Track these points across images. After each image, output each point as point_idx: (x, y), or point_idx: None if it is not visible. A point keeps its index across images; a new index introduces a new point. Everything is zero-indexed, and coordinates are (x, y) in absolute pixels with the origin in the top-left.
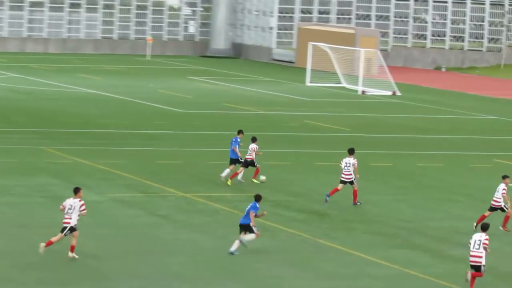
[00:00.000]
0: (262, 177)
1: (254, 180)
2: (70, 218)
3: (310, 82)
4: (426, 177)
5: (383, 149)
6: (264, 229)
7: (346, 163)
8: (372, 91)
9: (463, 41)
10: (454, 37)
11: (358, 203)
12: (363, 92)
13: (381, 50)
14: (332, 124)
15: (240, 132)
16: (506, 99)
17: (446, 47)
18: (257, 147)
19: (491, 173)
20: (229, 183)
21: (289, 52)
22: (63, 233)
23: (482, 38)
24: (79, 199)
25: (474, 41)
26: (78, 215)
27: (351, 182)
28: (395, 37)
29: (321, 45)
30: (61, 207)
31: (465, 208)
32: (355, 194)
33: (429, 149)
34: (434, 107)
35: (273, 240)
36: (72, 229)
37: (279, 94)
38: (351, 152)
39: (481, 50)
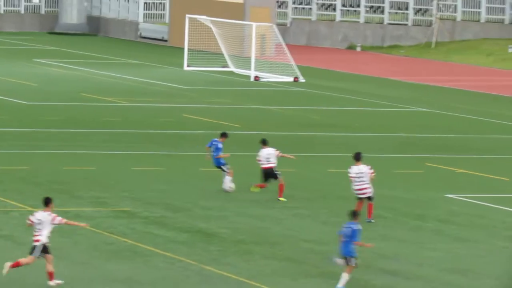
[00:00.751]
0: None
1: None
2: (40, 235)
3: (188, 66)
4: (338, 186)
5: (281, 150)
6: (135, 253)
7: (356, 174)
8: (268, 77)
9: (382, 12)
10: (371, 7)
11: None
12: (257, 78)
13: (278, 25)
14: (217, 119)
15: (223, 135)
16: (439, 86)
17: (361, 20)
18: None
19: (422, 180)
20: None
21: (161, 27)
22: (34, 255)
23: (406, 8)
24: (49, 212)
25: (396, 13)
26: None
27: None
28: (296, 7)
29: (202, 18)
30: (28, 221)
31: (390, 225)
32: (370, 208)
33: (340, 150)
34: (346, 97)
35: (147, 268)
36: (45, 249)
37: (149, 81)
38: (357, 158)
39: (406, 24)
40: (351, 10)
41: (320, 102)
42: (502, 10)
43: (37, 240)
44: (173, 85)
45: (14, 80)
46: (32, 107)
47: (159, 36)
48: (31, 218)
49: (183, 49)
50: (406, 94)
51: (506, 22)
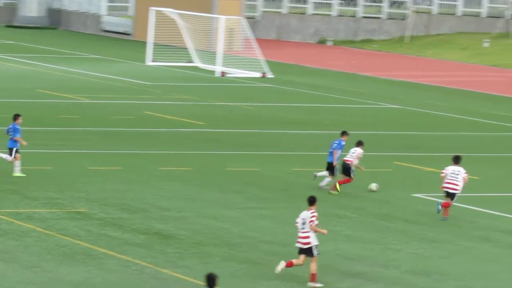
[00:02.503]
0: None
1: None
2: None
3: (153, 61)
4: (301, 185)
5: (247, 149)
6: (89, 256)
7: (452, 171)
8: (235, 73)
9: (355, 5)
10: (345, 0)
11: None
12: (223, 73)
13: (247, 18)
14: (181, 117)
15: (344, 133)
16: (412, 82)
17: (334, 13)
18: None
19: (390, 179)
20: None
21: (125, 20)
22: None
23: (381, 1)
24: None
25: (370, 6)
26: None
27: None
28: (266, 0)
29: (167, 11)
30: None
31: (355, 226)
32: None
33: (308, 148)
34: (317, 93)
35: (101, 271)
36: None
37: (110, 77)
38: (456, 161)
39: (379, 18)
40: (323, 3)
41: (289, 99)
42: (479, 3)
43: None
44: (136, 81)
45: None
46: None
47: (122, 30)
48: None
49: (146, 43)
50: (379, 90)
51: (483, 15)
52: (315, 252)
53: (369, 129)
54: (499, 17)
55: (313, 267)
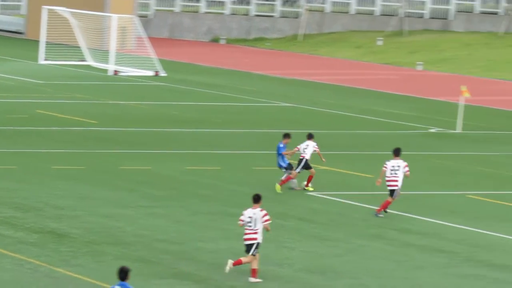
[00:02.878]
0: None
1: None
2: None
3: (45, 60)
4: (195, 184)
5: (140, 147)
6: None
7: (391, 166)
8: (128, 71)
9: (248, 4)
10: None
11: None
12: (116, 72)
13: (140, 16)
14: (73, 115)
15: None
16: (305, 80)
17: (226, 12)
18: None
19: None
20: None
21: (17, 19)
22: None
23: (273, 0)
24: None
25: (263, 4)
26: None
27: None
28: None
29: (60, 9)
30: None
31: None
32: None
33: (201, 147)
34: (210, 92)
35: None
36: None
37: (2, 76)
38: (396, 153)
39: (272, 16)
40: (216, 2)
41: (181, 97)
42: (372, 2)
43: None
44: (28, 79)
45: None
46: None
47: (14, 29)
48: None
49: (39, 42)
50: (271, 88)
51: (377, 13)
52: (254, 250)
53: (263, 127)
54: (393, 15)
55: (246, 260)
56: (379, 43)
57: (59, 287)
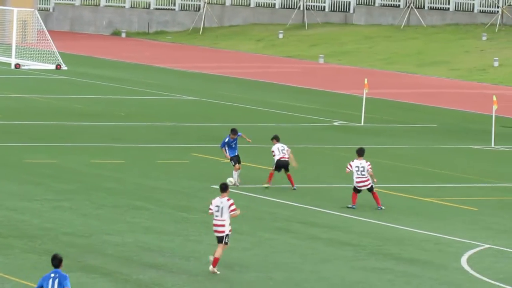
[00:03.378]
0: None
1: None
2: None
3: None
4: (100, 177)
5: (44, 141)
6: None
7: (356, 167)
8: (30, 64)
9: None
10: None
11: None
12: (18, 65)
13: (41, 10)
14: None
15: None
16: (206, 73)
17: (127, 5)
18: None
19: (188, 171)
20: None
21: None
22: None
23: None
24: None
25: None
26: None
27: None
28: None
29: None
30: None
31: (154, 218)
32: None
33: (105, 140)
34: (111, 85)
35: None
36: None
37: None
38: (360, 153)
39: (173, 9)
40: None
41: (84, 91)
42: None
43: None
44: None
45: None
46: None
47: None
48: None
49: None
50: (173, 81)
51: (277, 6)
52: (227, 240)
53: (165, 120)
54: (293, 8)
55: (219, 252)
56: (280, 36)
57: None
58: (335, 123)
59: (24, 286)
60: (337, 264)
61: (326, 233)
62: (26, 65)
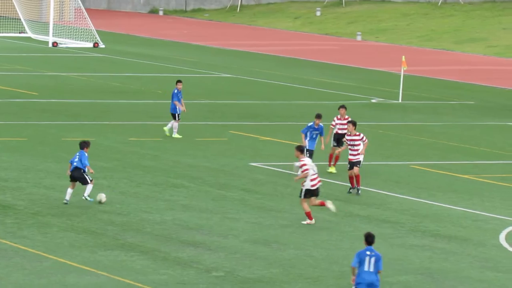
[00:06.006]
0: None
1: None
2: None
3: None
4: (138, 155)
5: (82, 119)
6: None
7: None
8: (67, 43)
9: None
10: None
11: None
12: (55, 44)
13: None
14: (15, 87)
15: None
16: (243, 51)
17: None
18: None
19: (226, 149)
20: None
21: None
22: None
23: None
24: None
25: None
26: None
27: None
28: None
29: None
30: None
31: (192, 196)
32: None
33: (142, 118)
34: (148, 63)
35: None
36: None
37: None
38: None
39: None
40: None
41: (121, 69)
42: None
43: None
44: None
45: None
46: None
47: None
48: None
49: None
50: (210, 59)
51: None
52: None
53: (204, 98)
54: None
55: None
56: (318, 13)
57: (6, 259)
58: (373, 101)
59: (62, 264)
60: (376, 241)
61: (364, 210)
62: (64, 43)
